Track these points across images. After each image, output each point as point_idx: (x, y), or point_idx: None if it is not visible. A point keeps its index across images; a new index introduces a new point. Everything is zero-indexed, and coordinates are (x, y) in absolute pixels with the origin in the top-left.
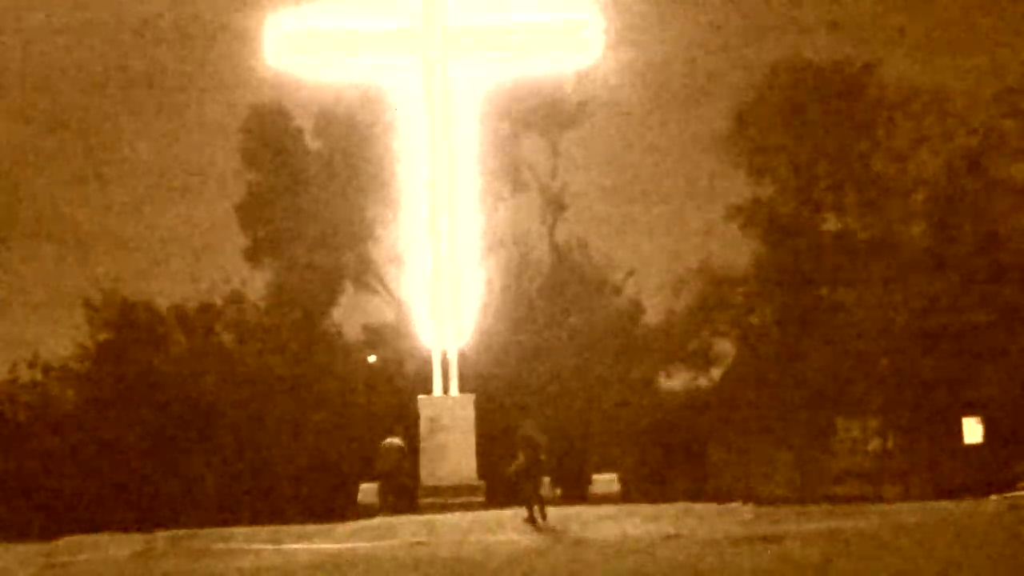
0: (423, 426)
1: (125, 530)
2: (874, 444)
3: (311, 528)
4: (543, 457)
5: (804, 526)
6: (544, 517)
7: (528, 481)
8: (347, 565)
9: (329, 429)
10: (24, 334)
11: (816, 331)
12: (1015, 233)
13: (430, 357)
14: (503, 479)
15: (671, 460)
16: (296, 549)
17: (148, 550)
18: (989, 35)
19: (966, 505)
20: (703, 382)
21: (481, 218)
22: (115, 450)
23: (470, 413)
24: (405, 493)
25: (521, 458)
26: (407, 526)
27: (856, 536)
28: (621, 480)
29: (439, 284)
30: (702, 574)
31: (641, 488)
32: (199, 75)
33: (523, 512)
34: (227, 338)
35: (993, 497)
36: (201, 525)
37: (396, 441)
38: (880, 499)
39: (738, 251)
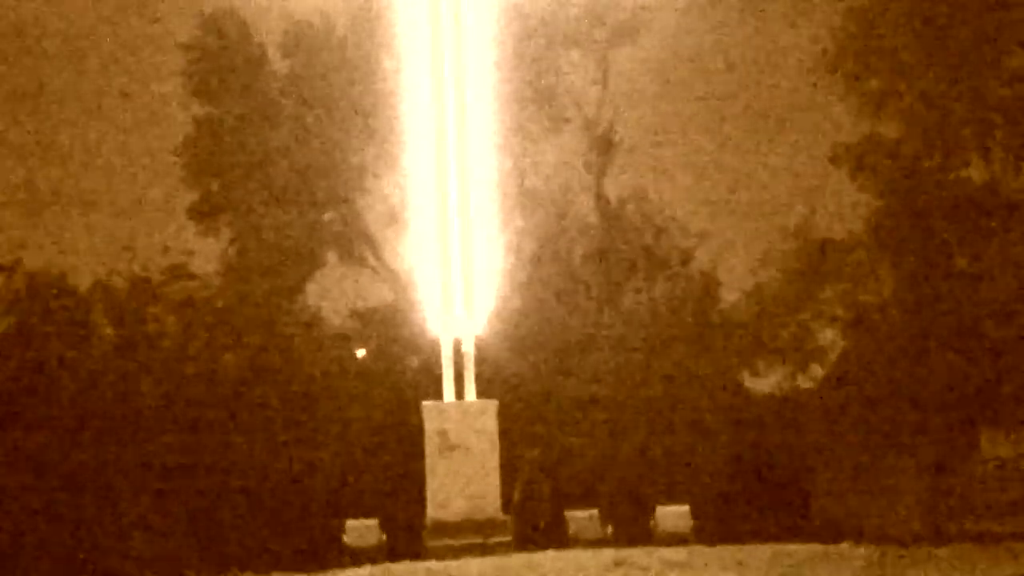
0: (429, 442)
1: None
2: None
3: None
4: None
5: (937, 574)
6: None
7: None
8: None
9: (303, 446)
10: None
11: (953, 313)
12: None
13: (438, 350)
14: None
15: (760, 486)
16: None
17: None
18: None
19: None
20: (802, 382)
21: (506, 164)
22: (18, 476)
23: (491, 425)
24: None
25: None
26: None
27: None
28: (694, 513)
29: (450, 252)
30: None
31: (721, 524)
32: None
33: (562, 555)
34: (168, 326)
35: None
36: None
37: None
38: None
39: (848, 206)
